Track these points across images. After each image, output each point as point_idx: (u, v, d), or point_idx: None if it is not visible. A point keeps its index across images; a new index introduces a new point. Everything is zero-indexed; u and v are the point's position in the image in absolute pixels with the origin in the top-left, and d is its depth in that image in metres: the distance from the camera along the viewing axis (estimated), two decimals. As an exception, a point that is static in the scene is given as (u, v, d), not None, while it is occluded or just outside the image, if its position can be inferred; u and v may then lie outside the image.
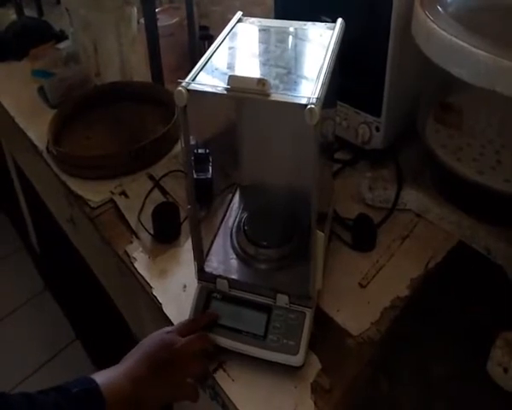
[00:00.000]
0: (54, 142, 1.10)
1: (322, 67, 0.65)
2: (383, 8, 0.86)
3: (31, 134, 1.19)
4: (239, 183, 0.92)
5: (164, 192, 1.02)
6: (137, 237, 0.93)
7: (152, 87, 1.25)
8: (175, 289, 0.83)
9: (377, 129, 0.98)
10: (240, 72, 0.69)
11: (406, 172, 0.96)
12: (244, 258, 0.79)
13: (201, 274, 0.77)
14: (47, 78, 1.29)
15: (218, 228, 0.85)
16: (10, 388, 1.66)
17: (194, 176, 0.79)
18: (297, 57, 0.72)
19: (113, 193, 1.02)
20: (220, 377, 0.71)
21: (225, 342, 0.72)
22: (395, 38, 0.88)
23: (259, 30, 0.78)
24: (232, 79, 0.61)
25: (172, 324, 0.77)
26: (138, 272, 0.87)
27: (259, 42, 0.75)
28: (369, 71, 0.94)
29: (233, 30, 0.77)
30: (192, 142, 0.69)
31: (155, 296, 0.82)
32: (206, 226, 0.80)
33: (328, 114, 0.74)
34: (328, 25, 0.77)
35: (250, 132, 0.86)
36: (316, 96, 0.58)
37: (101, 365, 0.66)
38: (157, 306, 0.81)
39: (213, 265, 0.78)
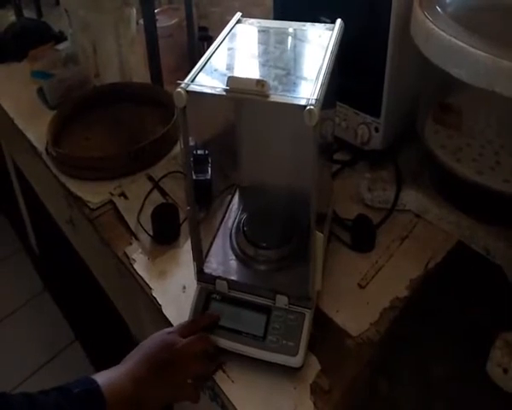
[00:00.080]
0: (53, 143, 1.10)
1: (321, 68, 0.65)
2: (382, 8, 0.86)
3: (30, 135, 1.19)
4: (238, 184, 0.92)
5: (163, 193, 1.02)
6: (137, 239, 0.93)
7: (151, 88, 1.25)
8: (174, 291, 0.83)
9: (376, 130, 0.98)
10: (239, 73, 0.69)
11: (405, 173, 0.96)
12: (243, 259, 0.79)
13: (201, 275, 0.77)
14: (46, 79, 1.29)
15: (218, 229, 0.85)
16: (10, 389, 1.65)
17: (194, 177, 0.79)
18: (296, 58, 0.72)
19: (112, 194, 1.02)
20: (220, 378, 0.71)
21: (225, 343, 0.72)
22: (394, 39, 0.88)
23: (259, 31, 0.78)
24: (231, 80, 0.61)
25: (172, 325, 0.77)
26: (138, 274, 0.86)
27: (259, 43, 0.75)
28: (368, 71, 0.94)
29: (232, 31, 0.77)
30: (191, 143, 0.69)
31: (155, 297, 0.82)
32: (205, 227, 0.80)
33: (327, 114, 0.74)
34: (328, 26, 0.77)
35: (249, 133, 0.86)
36: (315, 97, 0.58)
37: (100, 366, 0.66)
38: (156, 307, 0.81)
39: (213, 266, 0.78)
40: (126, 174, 1.06)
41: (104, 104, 1.24)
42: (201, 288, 0.77)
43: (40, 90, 1.31)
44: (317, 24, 0.78)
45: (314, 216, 0.65)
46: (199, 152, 0.96)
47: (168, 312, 0.80)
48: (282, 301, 0.72)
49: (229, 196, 0.91)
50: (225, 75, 0.62)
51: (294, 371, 0.70)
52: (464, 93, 0.86)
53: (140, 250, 0.91)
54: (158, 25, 1.21)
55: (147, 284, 0.85)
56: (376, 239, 0.89)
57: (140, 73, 1.31)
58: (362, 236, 0.89)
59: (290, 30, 0.78)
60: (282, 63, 0.69)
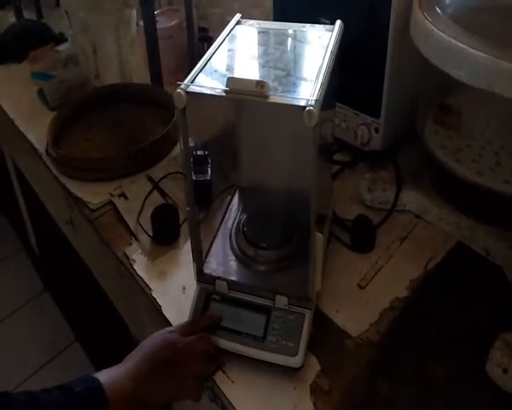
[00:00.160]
0: (53, 144, 1.10)
1: (320, 69, 0.65)
2: (382, 9, 0.86)
3: (30, 136, 1.19)
4: (238, 184, 0.92)
5: (163, 194, 1.02)
6: (136, 239, 0.93)
7: (151, 89, 1.25)
8: (174, 291, 0.83)
9: (376, 130, 0.98)
10: (239, 74, 0.69)
11: (405, 174, 0.96)
12: (243, 259, 0.79)
13: (201, 276, 0.77)
14: (46, 80, 1.30)
15: (218, 230, 0.85)
16: (10, 389, 1.64)
17: (194, 178, 0.79)
18: (296, 59, 0.73)
19: (112, 195, 1.02)
20: (219, 378, 0.71)
21: (224, 343, 0.72)
22: (394, 40, 0.88)
23: (258, 32, 0.78)
24: (231, 80, 0.61)
25: (172, 325, 0.77)
26: (137, 274, 0.87)
27: (258, 44, 0.76)
28: (368, 72, 0.94)
29: (232, 32, 0.77)
30: (191, 143, 0.69)
31: (155, 298, 0.82)
32: (205, 228, 0.80)
33: (327, 115, 0.75)
34: (327, 26, 0.77)
35: (249, 134, 0.87)
36: (314, 97, 0.58)
37: (100, 366, 0.66)
38: (156, 308, 0.81)
39: (212, 266, 0.79)
40: (126, 175, 1.06)
41: (104, 105, 1.24)
42: (201, 288, 0.77)
43: (40, 92, 1.31)
44: (316, 25, 0.78)
45: (314, 217, 0.65)
46: (199, 153, 0.96)
47: (168, 312, 0.80)
48: (281, 301, 0.72)
49: (229, 197, 0.91)
50: (225, 76, 0.63)
51: (294, 372, 0.70)
52: (464, 94, 0.86)
53: (140, 251, 0.91)
54: (158, 26, 1.21)
55: (147, 285, 0.85)
56: (376, 240, 0.89)
57: (140, 74, 1.31)
58: (362, 236, 0.89)
59: (290, 31, 0.78)
60: (282, 64, 0.69)
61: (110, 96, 1.25)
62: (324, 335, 0.76)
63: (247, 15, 0.81)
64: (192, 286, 0.78)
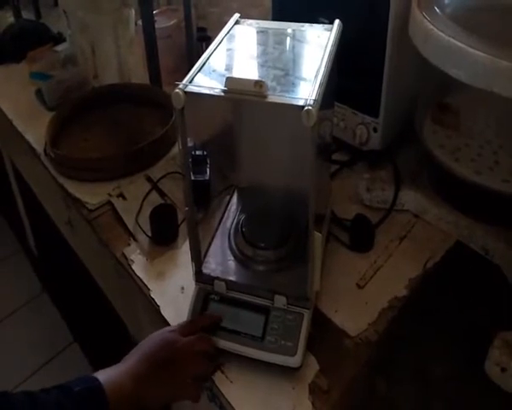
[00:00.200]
0: (51, 144, 1.10)
1: (319, 69, 0.65)
2: (381, 9, 0.86)
3: (28, 137, 1.19)
4: (237, 184, 0.92)
5: (162, 194, 1.02)
6: (135, 239, 0.93)
7: (150, 89, 1.25)
8: (173, 292, 0.83)
9: (375, 130, 0.98)
10: (237, 73, 0.69)
11: (404, 173, 0.96)
12: (242, 259, 0.79)
13: (199, 276, 0.77)
14: (45, 80, 1.29)
15: (216, 230, 0.85)
16: (9, 390, 1.65)
17: (192, 178, 0.79)
18: (295, 59, 0.73)
19: (110, 195, 1.02)
20: (218, 378, 0.71)
21: (223, 343, 0.72)
22: (393, 39, 0.88)
23: (257, 32, 0.78)
24: (229, 80, 0.61)
25: (170, 325, 0.77)
26: (136, 275, 0.86)
27: (257, 44, 0.76)
28: (366, 72, 0.94)
29: (231, 32, 0.77)
30: (190, 143, 0.69)
31: (153, 298, 0.82)
32: (203, 228, 0.80)
33: (325, 115, 0.74)
34: (326, 26, 0.77)
35: (247, 134, 0.86)
36: (313, 97, 0.58)
37: (98, 367, 0.66)
38: (155, 308, 0.81)
39: (211, 266, 0.78)
40: (125, 175, 1.06)
41: (103, 105, 1.24)
42: (200, 288, 0.77)
43: (39, 92, 1.31)
44: (315, 25, 0.78)
45: (312, 216, 0.65)
46: (197, 153, 0.96)
47: (166, 312, 0.80)
48: (280, 301, 0.72)
49: (228, 197, 0.91)
50: (223, 76, 0.62)
51: (293, 372, 0.70)
52: (463, 93, 0.86)
53: (138, 251, 0.91)
54: (156, 26, 1.21)
55: (145, 285, 0.85)
56: (375, 239, 0.89)
57: (138, 74, 1.31)
58: (360, 236, 0.89)
59: (289, 31, 0.78)
60: (281, 64, 0.69)
61: (109, 97, 1.25)
62: (323, 334, 0.76)
63: (245, 15, 0.81)
64: (190, 286, 0.78)
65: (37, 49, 1.45)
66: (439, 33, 0.72)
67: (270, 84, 0.62)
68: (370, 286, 0.82)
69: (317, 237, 0.66)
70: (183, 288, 0.83)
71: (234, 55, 0.73)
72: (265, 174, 0.88)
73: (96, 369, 0.65)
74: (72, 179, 1.06)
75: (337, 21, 0.77)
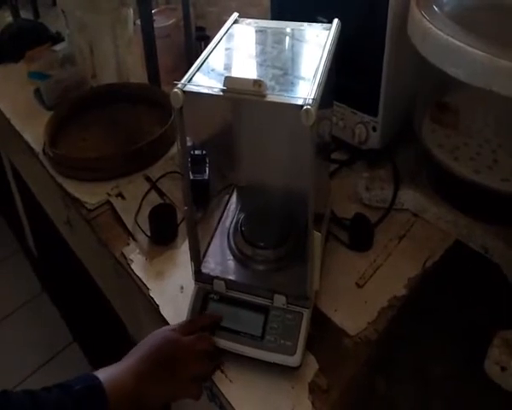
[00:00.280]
0: (50, 144, 1.10)
1: (318, 68, 0.65)
2: (379, 8, 0.86)
3: (27, 136, 1.19)
4: (236, 184, 0.92)
5: (161, 194, 1.02)
6: (134, 239, 0.93)
7: (148, 88, 1.25)
8: (172, 291, 0.83)
9: (374, 129, 0.98)
10: (236, 73, 0.69)
11: (403, 172, 0.96)
12: (241, 259, 0.79)
13: (198, 275, 0.77)
14: (43, 80, 1.29)
15: (215, 229, 0.85)
16: (9, 389, 1.65)
17: (191, 177, 0.79)
18: (293, 58, 0.72)
19: (109, 195, 1.02)
20: (218, 378, 0.71)
21: (223, 343, 0.72)
22: (391, 38, 0.88)
23: (256, 31, 0.78)
24: (228, 80, 0.61)
25: (170, 325, 0.77)
26: (135, 274, 0.86)
27: (256, 43, 0.75)
28: (365, 71, 0.94)
29: (229, 31, 0.77)
30: (189, 143, 0.69)
31: (152, 298, 0.82)
32: (202, 227, 0.80)
33: (324, 114, 0.74)
34: (325, 25, 0.77)
35: (246, 133, 0.86)
36: (312, 96, 0.58)
37: (98, 367, 0.66)
38: (154, 307, 0.81)
39: (210, 266, 0.78)
40: (123, 175, 1.05)
41: (101, 105, 1.24)
42: (199, 288, 0.76)
43: (37, 91, 1.31)
44: (314, 24, 0.78)
45: (312, 216, 0.65)
46: (196, 152, 0.96)
47: (166, 312, 0.80)
48: (279, 300, 0.72)
49: (227, 196, 0.91)
50: (222, 75, 0.62)
51: (292, 371, 0.70)
52: (461, 92, 0.86)
53: (137, 251, 0.91)
54: (155, 25, 1.21)
55: (144, 285, 0.84)
56: (374, 238, 0.89)
57: (137, 74, 1.31)
58: (360, 235, 0.89)
59: (287, 30, 0.78)
60: (280, 63, 0.69)
61: (107, 96, 1.25)
62: (322, 334, 0.76)
63: (244, 14, 0.81)
64: (190, 286, 0.78)
65: (36, 48, 1.44)
66: (437, 32, 0.72)
67: (268, 83, 0.62)
68: (370, 285, 0.82)
69: (317, 237, 0.66)
70: (182, 287, 0.83)
71: (233, 54, 0.73)
72: (265, 173, 0.88)
73: (96, 368, 0.65)
74: (70, 179, 1.06)
75: (336, 20, 0.77)
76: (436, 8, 0.78)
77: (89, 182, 1.04)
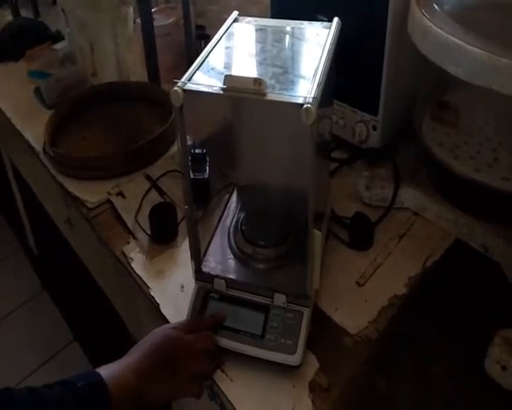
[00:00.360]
0: (50, 143, 1.10)
1: (318, 67, 0.65)
2: (379, 6, 0.86)
3: (27, 135, 1.19)
4: (236, 183, 0.92)
5: (161, 192, 1.02)
6: (134, 238, 0.93)
7: (148, 87, 1.25)
8: (172, 290, 0.83)
9: (374, 128, 0.98)
10: (236, 71, 0.68)
11: (403, 171, 0.96)
12: (241, 258, 0.79)
13: (199, 274, 0.77)
14: (43, 78, 1.29)
15: (216, 228, 0.85)
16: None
17: (191, 176, 0.79)
18: (293, 57, 0.72)
19: (110, 194, 1.02)
20: (218, 377, 0.71)
21: (223, 341, 0.72)
22: (392, 37, 0.88)
23: (256, 29, 0.78)
24: (228, 78, 0.61)
25: (170, 324, 0.77)
26: (135, 273, 0.86)
27: (256, 41, 0.75)
28: (365, 69, 0.94)
29: (229, 29, 0.77)
30: (189, 142, 0.69)
31: (153, 297, 0.82)
32: (203, 226, 0.80)
33: (324, 113, 0.74)
34: (325, 24, 0.77)
35: (247, 132, 0.86)
36: (312, 95, 0.58)
37: (98, 365, 0.66)
38: (154, 306, 0.81)
39: (211, 265, 0.78)
40: (124, 174, 1.05)
41: (101, 104, 1.24)
42: (199, 287, 0.77)
43: (37, 90, 1.31)
44: (314, 22, 0.78)
45: (312, 214, 0.65)
46: (196, 151, 0.96)
47: (166, 310, 0.80)
48: (280, 299, 0.72)
49: (227, 195, 0.91)
50: (222, 74, 0.62)
51: (293, 370, 0.70)
52: (462, 91, 0.86)
53: (138, 249, 0.91)
54: (155, 23, 1.21)
55: (145, 283, 0.84)
56: (374, 237, 0.89)
57: (137, 72, 1.31)
58: (360, 234, 0.89)
59: (287, 28, 0.78)
60: (280, 62, 0.69)
61: (107, 95, 1.25)
62: (323, 333, 0.76)
63: (244, 13, 0.81)
64: (190, 284, 0.78)
65: (36, 47, 1.44)
66: (437, 30, 0.72)
67: (269, 82, 0.62)
68: (370, 284, 0.82)
69: (317, 235, 0.66)
70: (182, 286, 0.83)
71: (233, 52, 0.73)
72: (265, 172, 0.88)
73: (96, 367, 0.65)
74: (71, 178, 1.06)
75: (336, 19, 0.77)
76: (436, 7, 0.78)
77: (89, 181, 1.04)
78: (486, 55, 0.66)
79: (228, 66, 0.70)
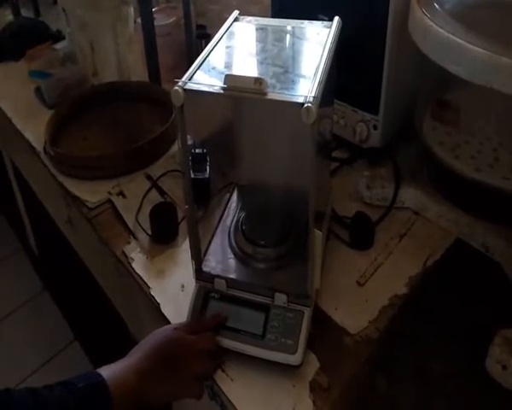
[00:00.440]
0: (51, 142, 1.10)
1: (319, 66, 0.65)
2: (380, 5, 0.86)
3: (28, 135, 1.19)
4: (236, 182, 0.92)
5: (161, 192, 1.01)
6: (135, 238, 0.93)
7: (149, 87, 1.25)
8: (173, 290, 0.83)
9: (375, 127, 0.98)
10: (237, 71, 0.68)
11: (404, 170, 0.96)
12: (242, 257, 0.79)
13: (199, 274, 0.77)
14: (44, 78, 1.29)
15: (216, 228, 0.85)
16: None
17: (192, 176, 0.79)
18: (294, 56, 0.72)
19: (110, 193, 1.02)
20: (219, 376, 0.71)
21: (223, 341, 0.72)
22: (392, 36, 0.88)
23: (256, 29, 0.78)
24: (229, 78, 0.61)
25: (170, 324, 0.77)
26: (136, 273, 0.86)
27: (256, 41, 0.75)
28: (366, 69, 0.94)
29: (230, 29, 0.77)
30: (189, 141, 0.69)
31: (153, 296, 0.82)
32: (203, 226, 0.80)
33: (325, 112, 0.74)
34: (325, 23, 0.77)
35: (247, 131, 0.86)
36: (313, 94, 0.58)
37: (99, 365, 0.66)
38: (155, 306, 0.81)
39: (211, 264, 0.78)
40: (124, 173, 1.05)
41: (102, 103, 1.24)
42: (200, 286, 0.76)
43: (38, 90, 1.31)
44: (314, 21, 0.78)
45: (312, 214, 0.65)
46: (197, 151, 0.96)
47: (166, 310, 0.80)
48: (280, 299, 0.72)
49: (228, 195, 0.91)
50: (223, 73, 0.62)
51: (293, 370, 0.70)
52: (462, 90, 0.86)
53: (138, 249, 0.90)
54: (156, 23, 1.21)
55: (145, 283, 0.84)
56: (375, 237, 0.89)
57: (138, 72, 1.31)
58: (360, 233, 0.89)
59: (288, 28, 0.78)
60: (280, 61, 0.69)
61: (108, 94, 1.25)
62: (323, 332, 0.76)
63: (245, 12, 0.81)
64: (191, 284, 0.78)
65: (37, 47, 1.44)
66: (438, 29, 0.72)
67: (269, 81, 0.62)
68: (370, 284, 0.82)
69: (317, 235, 0.66)
70: (183, 286, 0.83)
71: (233, 52, 0.73)
72: (265, 172, 0.88)
73: (97, 367, 0.65)
74: (71, 178, 1.06)
75: (336, 18, 0.77)
76: (437, 6, 0.78)
77: (90, 181, 1.04)
78: (487, 55, 0.66)
79: (228, 65, 0.70)
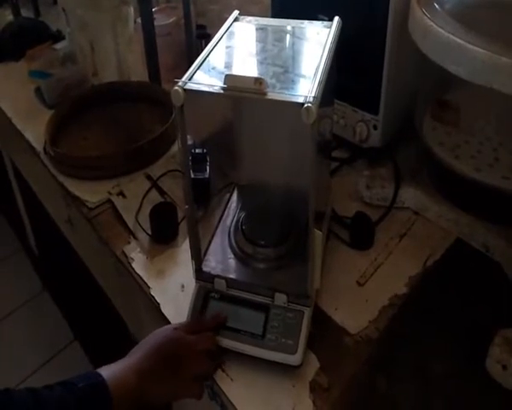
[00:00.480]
0: (51, 142, 1.10)
1: (319, 66, 0.65)
2: (380, 5, 0.86)
3: (28, 135, 1.19)
4: (236, 182, 0.92)
5: (161, 192, 1.01)
6: (135, 238, 0.93)
7: (149, 87, 1.25)
8: (173, 290, 0.83)
9: (375, 127, 0.98)
10: (237, 71, 0.68)
11: (404, 170, 0.96)
12: (242, 257, 0.79)
13: (199, 274, 0.77)
14: (44, 78, 1.29)
15: (216, 228, 0.85)
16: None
17: (192, 176, 0.79)
18: (294, 56, 0.72)
19: (110, 193, 1.02)
20: (219, 376, 0.71)
21: (223, 341, 0.72)
22: (392, 36, 0.88)
23: (256, 29, 0.78)
24: (229, 78, 0.61)
25: (170, 324, 0.77)
26: (136, 273, 0.86)
27: (256, 41, 0.75)
28: (366, 69, 0.94)
29: (230, 29, 0.77)
30: (189, 141, 0.69)
31: (153, 296, 0.82)
32: (203, 226, 0.80)
33: (325, 112, 0.74)
34: (325, 23, 0.77)
35: (247, 131, 0.86)
36: (313, 94, 0.58)
37: (99, 365, 0.66)
38: (155, 306, 0.81)
39: (211, 264, 0.78)
40: (124, 173, 1.05)
41: (102, 103, 1.24)
42: (200, 286, 0.76)
43: (38, 90, 1.31)
44: (314, 21, 0.78)
45: (312, 214, 0.65)
46: (197, 151, 0.96)
47: (167, 310, 0.80)
48: (280, 299, 0.72)
49: (228, 195, 0.91)
50: (223, 73, 0.62)
51: (293, 370, 0.70)
52: (462, 90, 0.86)
53: (138, 249, 0.90)
54: (156, 23, 1.21)
55: (145, 283, 0.84)
56: (375, 237, 0.89)
57: (138, 72, 1.31)
58: (360, 233, 0.89)
59: (288, 28, 0.78)
60: (280, 61, 0.69)
61: (108, 94, 1.25)
62: (323, 332, 0.76)
63: (245, 12, 0.81)
64: (191, 284, 0.78)
65: (37, 47, 1.44)
66: (438, 29, 0.72)
67: (269, 81, 0.62)
68: (370, 284, 0.82)
69: (317, 235, 0.66)
70: (183, 286, 0.83)
71: (233, 52, 0.73)
72: (265, 172, 0.88)
73: (97, 367, 0.65)
74: (71, 178, 1.06)
75: (336, 18, 0.77)
76: (437, 6, 0.78)
77: (90, 181, 1.04)
78: (487, 55, 0.66)
79: (228, 65, 0.70)
